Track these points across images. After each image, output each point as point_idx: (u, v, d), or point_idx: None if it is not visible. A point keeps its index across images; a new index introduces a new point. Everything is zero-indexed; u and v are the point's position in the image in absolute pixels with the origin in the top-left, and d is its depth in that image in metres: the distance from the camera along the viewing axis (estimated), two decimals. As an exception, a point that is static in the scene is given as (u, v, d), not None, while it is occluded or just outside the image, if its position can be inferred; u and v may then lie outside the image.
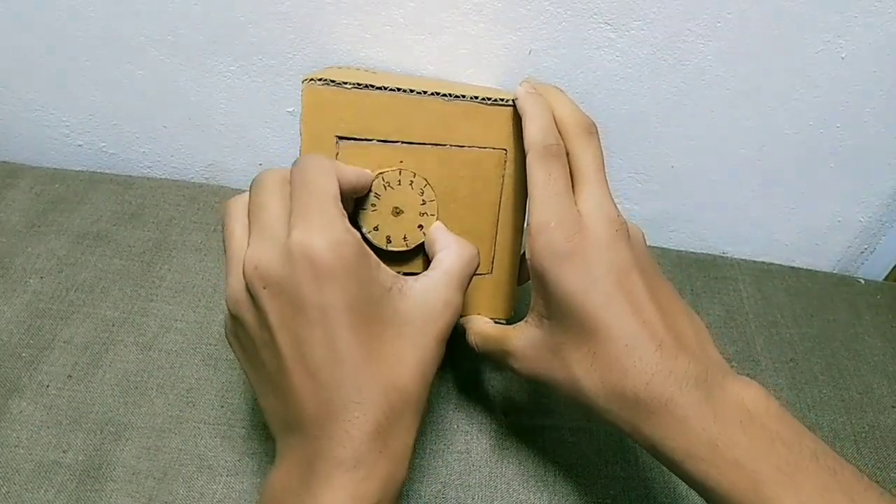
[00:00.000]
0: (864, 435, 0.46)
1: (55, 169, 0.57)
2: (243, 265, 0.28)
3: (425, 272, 0.32)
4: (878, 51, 0.48)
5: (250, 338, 0.29)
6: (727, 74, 0.50)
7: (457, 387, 0.45)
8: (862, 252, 0.62)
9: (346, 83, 0.34)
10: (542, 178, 0.32)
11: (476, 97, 0.36)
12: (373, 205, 0.35)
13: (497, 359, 0.36)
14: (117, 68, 0.55)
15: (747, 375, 0.49)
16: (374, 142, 0.35)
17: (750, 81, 0.51)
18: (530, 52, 0.50)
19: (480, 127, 0.37)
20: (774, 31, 0.48)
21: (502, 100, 0.36)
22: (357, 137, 0.35)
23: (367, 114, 0.35)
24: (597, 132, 0.35)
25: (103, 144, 0.61)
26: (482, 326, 0.38)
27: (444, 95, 0.35)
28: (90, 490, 0.38)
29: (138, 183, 0.57)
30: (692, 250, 0.59)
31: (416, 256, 0.37)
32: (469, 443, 0.42)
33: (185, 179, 0.59)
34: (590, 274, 0.30)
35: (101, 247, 0.51)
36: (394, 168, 0.35)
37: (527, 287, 0.42)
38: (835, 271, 0.63)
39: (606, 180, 0.34)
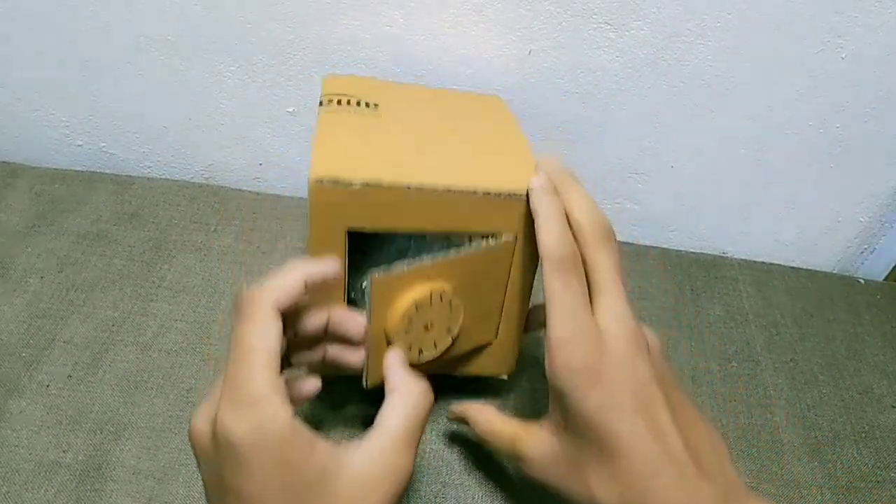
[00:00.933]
0: (863, 434, 0.46)
1: (55, 169, 0.58)
2: (192, 418, 0.29)
3: (368, 436, 0.29)
4: (878, 51, 0.48)
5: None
6: (727, 74, 0.50)
7: (457, 387, 0.45)
8: (862, 252, 0.62)
9: (353, 183, 0.33)
10: (559, 290, 0.30)
11: (488, 192, 0.34)
12: (406, 331, 0.35)
13: (504, 455, 0.35)
14: (117, 69, 0.55)
15: (747, 375, 0.49)
16: (404, 269, 0.34)
17: (750, 81, 0.51)
18: (530, 52, 0.51)
19: (491, 216, 0.36)
20: (774, 31, 0.48)
21: (515, 194, 0.35)
22: (366, 229, 0.35)
23: (376, 209, 0.34)
24: (613, 235, 0.33)
25: (103, 144, 0.61)
26: (490, 421, 0.35)
27: (456, 192, 0.34)
28: (90, 490, 0.38)
29: (138, 183, 0.57)
30: (692, 250, 0.59)
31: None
32: (469, 443, 0.42)
33: (185, 179, 0.59)
34: (612, 395, 0.29)
35: (101, 247, 0.51)
36: (425, 295, 0.35)
37: (528, 350, 0.42)
38: (835, 271, 0.63)
39: (624, 289, 0.32)
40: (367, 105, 0.41)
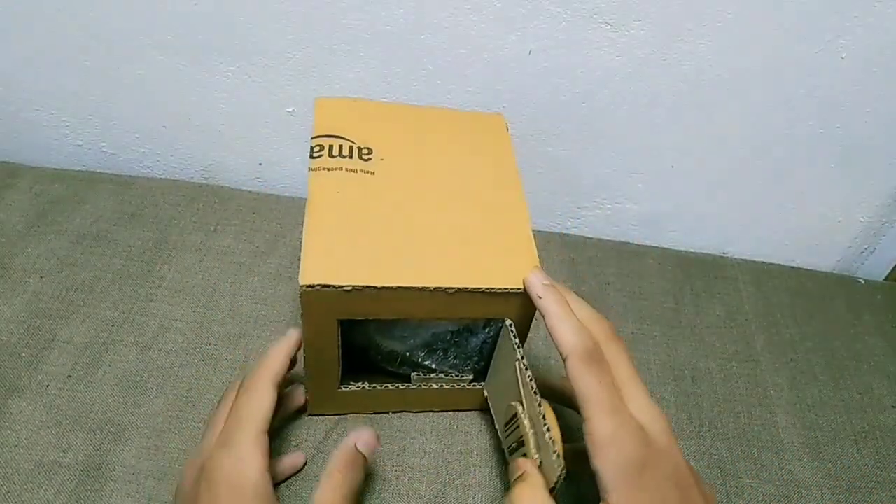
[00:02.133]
0: (863, 434, 0.46)
1: (55, 169, 0.57)
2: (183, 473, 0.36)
3: None
4: (878, 51, 0.48)
5: None
6: (727, 74, 0.50)
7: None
8: (862, 252, 0.62)
9: (345, 287, 0.33)
10: (594, 386, 0.31)
11: (479, 289, 0.35)
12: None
13: None
14: (117, 68, 0.55)
15: (747, 375, 0.49)
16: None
17: (750, 82, 0.51)
18: (530, 51, 0.50)
19: (483, 308, 0.36)
20: (774, 31, 0.48)
21: (509, 290, 0.35)
22: (358, 317, 0.36)
23: (367, 303, 0.34)
24: (615, 331, 0.35)
25: (103, 144, 0.61)
26: None
27: (448, 291, 0.34)
28: (90, 490, 0.38)
29: (138, 183, 0.57)
30: (692, 250, 0.59)
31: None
32: (469, 443, 0.42)
33: (185, 179, 0.59)
34: (658, 486, 0.30)
35: (100, 247, 0.51)
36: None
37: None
38: (835, 271, 0.63)
39: (642, 382, 0.33)
40: (361, 153, 0.40)
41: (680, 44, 0.49)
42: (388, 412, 0.43)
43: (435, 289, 0.34)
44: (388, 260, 0.35)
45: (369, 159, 0.40)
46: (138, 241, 0.52)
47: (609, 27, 0.48)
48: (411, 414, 0.43)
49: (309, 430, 0.42)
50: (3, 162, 0.58)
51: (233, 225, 0.54)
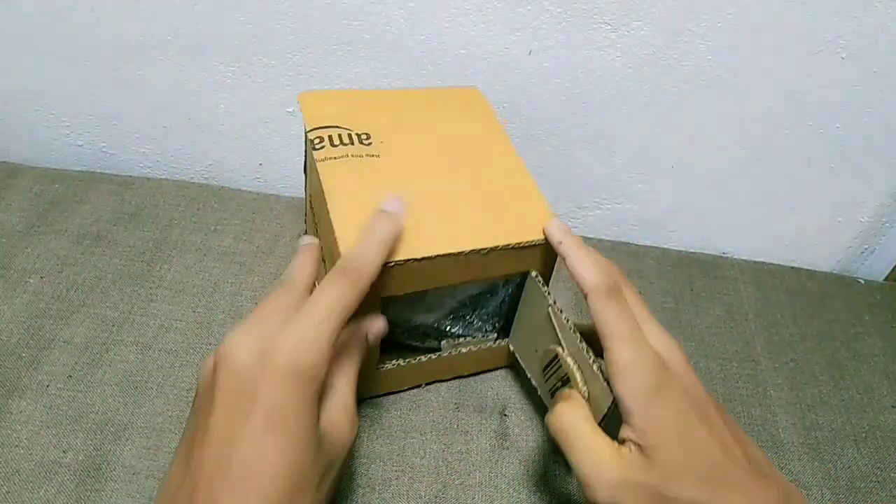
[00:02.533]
0: (863, 435, 0.46)
1: (55, 169, 0.57)
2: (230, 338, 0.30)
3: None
4: (879, 51, 0.48)
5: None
6: (727, 74, 0.50)
7: (456, 388, 0.45)
8: (862, 252, 0.62)
9: (388, 263, 0.34)
10: (615, 318, 0.33)
11: (509, 245, 0.37)
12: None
13: (566, 459, 0.33)
14: (117, 68, 0.55)
15: (747, 375, 0.49)
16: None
17: (749, 81, 0.51)
18: (531, 52, 0.51)
19: (513, 262, 0.38)
20: (775, 31, 0.48)
21: (534, 242, 0.37)
22: (398, 294, 0.37)
23: (408, 278, 0.36)
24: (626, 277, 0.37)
25: (103, 144, 0.61)
26: (574, 424, 0.33)
27: (482, 252, 0.36)
28: (90, 490, 0.38)
29: (138, 183, 0.57)
30: (692, 250, 0.59)
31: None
32: (469, 443, 0.42)
33: (185, 179, 0.59)
34: (678, 411, 0.31)
35: (100, 247, 0.51)
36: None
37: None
38: (835, 271, 0.63)
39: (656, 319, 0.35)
40: (360, 139, 0.41)
41: (680, 44, 0.49)
42: (419, 385, 0.45)
43: (470, 252, 0.36)
44: (418, 233, 0.36)
45: (370, 143, 0.41)
46: (138, 241, 0.52)
47: (609, 27, 0.48)
48: (411, 414, 0.43)
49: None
50: (3, 162, 0.58)
51: (233, 225, 0.54)
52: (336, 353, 0.32)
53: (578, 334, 0.35)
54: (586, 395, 0.35)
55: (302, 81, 0.54)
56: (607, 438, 0.32)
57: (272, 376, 0.28)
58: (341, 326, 0.30)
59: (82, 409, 0.41)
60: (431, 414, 0.43)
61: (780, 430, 0.46)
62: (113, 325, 0.46)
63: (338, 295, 0.30)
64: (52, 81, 0.56)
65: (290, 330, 0.29)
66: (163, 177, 0.61)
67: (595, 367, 0.34)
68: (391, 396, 0.44)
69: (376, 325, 0.36)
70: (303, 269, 0.35)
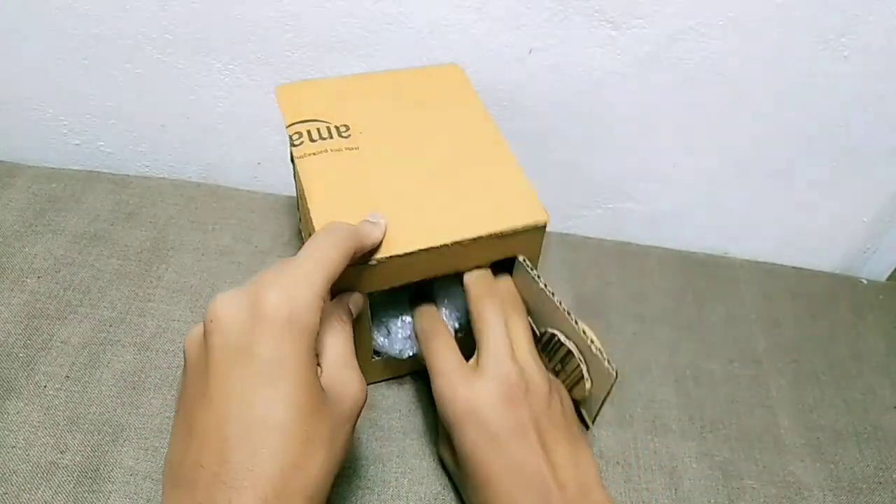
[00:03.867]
0: (865, 436, 0.46)
1: (52, 168, 0.57)
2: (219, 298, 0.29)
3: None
4: (880, 50, 0.48)
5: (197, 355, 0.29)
6: (728, 73, 0.50)
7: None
8: (864, 252, 0.62)
9: (370, 263, 0.34)
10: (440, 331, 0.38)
11: (493, 234, 0.36)
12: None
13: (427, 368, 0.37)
14: (115, 67, 0.54)
15: (749, 376, 0.49)
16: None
17: (751, 80, 0.50)
18: (531, 50, 0.50)
19: (496, 250, 0.38)
20: (775, 29, 0.48)
21: (517, 228, 0.37)
22: (384, 289, 0.37)
23: (392, 273, 0.36)
24: (497, 293, 0.39)
25: (101, 143, 0.61)
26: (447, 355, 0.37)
27: (463, 243, 0.36)
28: (88, 491, 0.38)
29: (136, 182, 0.57)
30: (694, 250, 0.59)
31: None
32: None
33: (183, 179, 0.59)
34: (486, 431, 0.34)
35: (98, 247, 0.51)
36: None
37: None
38: (837, 271, 0.62)
39: (507, 339, 0.36)
40: (339, 132, 0.41)
41: (681, 42, 0.49)
42: (409, 374, 0.45)
43: (453, 243, 0.36)
44: (399, 227, 0.35)
45: (348, 136, 0.40)
46: (136, 240, 0.52)
47: (610, 25, 0.48)
48: (411, 415, 0.43)
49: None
50: (0, 161, 0.58)
51: (231, 224, 0.54)
52: (326, 317, 0.32)
53: (573, 315, 0.35)
54: (587, 374, 0.35)
55: (301, 80, 0.53)
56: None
57: (265, 328, 0.27)
58: (329, 282, 0.30)
59: (80, 410, 0.41)
60: (431, 416, 0.43)
61: (783, 430, 0.46)
62: (110, 325, 0.46)
63: (324, 251, 0.30)
64: (49, 80, 0.56)
65: (278, 282, 0.28)
66: (161, 176, 0.61)
67: (594, 349, 0.34)
68: (391, 398, 0.44)
69: (355, 298, 0.36)
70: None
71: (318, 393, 0.28)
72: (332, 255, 0.30)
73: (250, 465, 0.25)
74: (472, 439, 0.34)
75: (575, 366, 0.36)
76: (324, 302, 0.29)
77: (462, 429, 0.34)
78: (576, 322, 0.35)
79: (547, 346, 0.38)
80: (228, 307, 0.28)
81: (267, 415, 0.26)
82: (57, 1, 0.51)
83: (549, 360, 0.39)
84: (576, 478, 0.34)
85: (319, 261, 0.30)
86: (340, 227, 0.32)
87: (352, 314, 0.35)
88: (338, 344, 0.32)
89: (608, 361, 0.33)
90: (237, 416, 0.26)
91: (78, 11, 0.51)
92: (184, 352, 0.30)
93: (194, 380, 0.28)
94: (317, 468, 0.27)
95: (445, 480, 0.40)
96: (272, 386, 0.27)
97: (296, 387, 0.27)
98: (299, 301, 0.28)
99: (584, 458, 0.35)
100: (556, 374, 0.38)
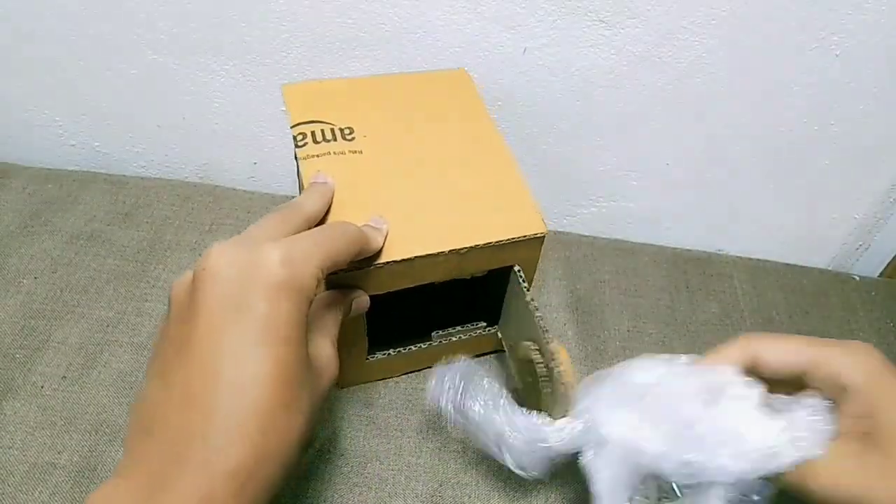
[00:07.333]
0: (859, 431, 0.46)
1: (48, 169, 0.57)
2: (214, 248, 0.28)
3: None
4: (872, 48, 0.48)
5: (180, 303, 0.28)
6: (721, 72, 0.50)
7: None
8: (857, 249, 0.62)
9: (366, 268, 0.34)
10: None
11: (489, 244, 0.37)
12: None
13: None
14: (111, 68, 0.54)
15: (743, 372, 0.49)
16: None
17: (744, 79, 0.51)
18: (525, 50, 0.50)
19: (494, 258, 0.38)
20: (768, 28, 0.48)
21: (514, 238, 0.37)
22: (380, 293, 0.37)
23: (388, 278, 0.36)
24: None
25: (97, 144, 0.61)
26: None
27: (460, 252, 0.36)
28: (85, 491, 0.38)
29: (132, 183, 0.57)
30: (687, 247, 0.59)
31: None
32: (465, 442, 0.42)
33: (180, 179, 0.59)
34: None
35: (94, 247, 0.51)
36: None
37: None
38: (830, 268, 0.63)
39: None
40: (343, 134, 0.41)
41: (674, 41, 0.49)
42: (411, 372, 0.45)
43: (449, 252, 0.36)
44: (400, 232, 0.36)
45: (352, 139, 0.41)
46: (132, 240, 0.52)
47: (604, 25, 0.48)
48: (408, 413, 0.43)
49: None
50: (-4, 162, 0.58)
51: (228, 224, 0.54)
52: (323, 296, 0.32)
53: (548, 335, 0.35)
54: (548, 394, 0.35)
55: (297, 80, 0.53)
56: None
57: (264, 287, 0.26)
58: (330, 262, 0.30)
59: (77, 410, 0.41)
60: (428, 413, 0.43)
61: (776, 426, 0.46)
62: (107, 326, 0.46)
63: (332, 237, 0.31)
64: (44, 81, 0.56)
65: (281, 245, 0.28)
66: (157, 176, 0.61)
67: (556, 372, 0.34)
68: (387, 396, 0.44)
69: (362, 298, 0.36)
70: (308, 198, 0.35)
71: (306, 360, 0.28)
72: (339, 243, 0.31)
73: (234, 422, 0.25)
74: None
75: (544, 380, 0.36)
76: (320, 281, 0.29)
77: None
78: (547, 342, 0.35)
79: (522, 360, 0.39)
80: (226, 258, 0.27)
81: (255, 372, 0.26)
82: (51, 2, 0.51)
83: (520, 371, 0.39)
84: None
85: (326, 239, 0.30)
86: (350, 226, 0.33)
87: (350, 307, 0.35)
88: (328, 323, 0.32)
89: (567, 388, 0.33)
90: (223, 369, 0.25)
91: (73, 12, 0.51)
92: (169, 298, 0.29)
93: (178, 328, 0.27)
94: (295, 434, 0.27)
95: (442, 477, 0.40)
96: (264, 345, 0.26)
97: (286, 349, 0.26)
98: (301, 267, 0.28)
99: None
100: (529, 383, 0.39)
